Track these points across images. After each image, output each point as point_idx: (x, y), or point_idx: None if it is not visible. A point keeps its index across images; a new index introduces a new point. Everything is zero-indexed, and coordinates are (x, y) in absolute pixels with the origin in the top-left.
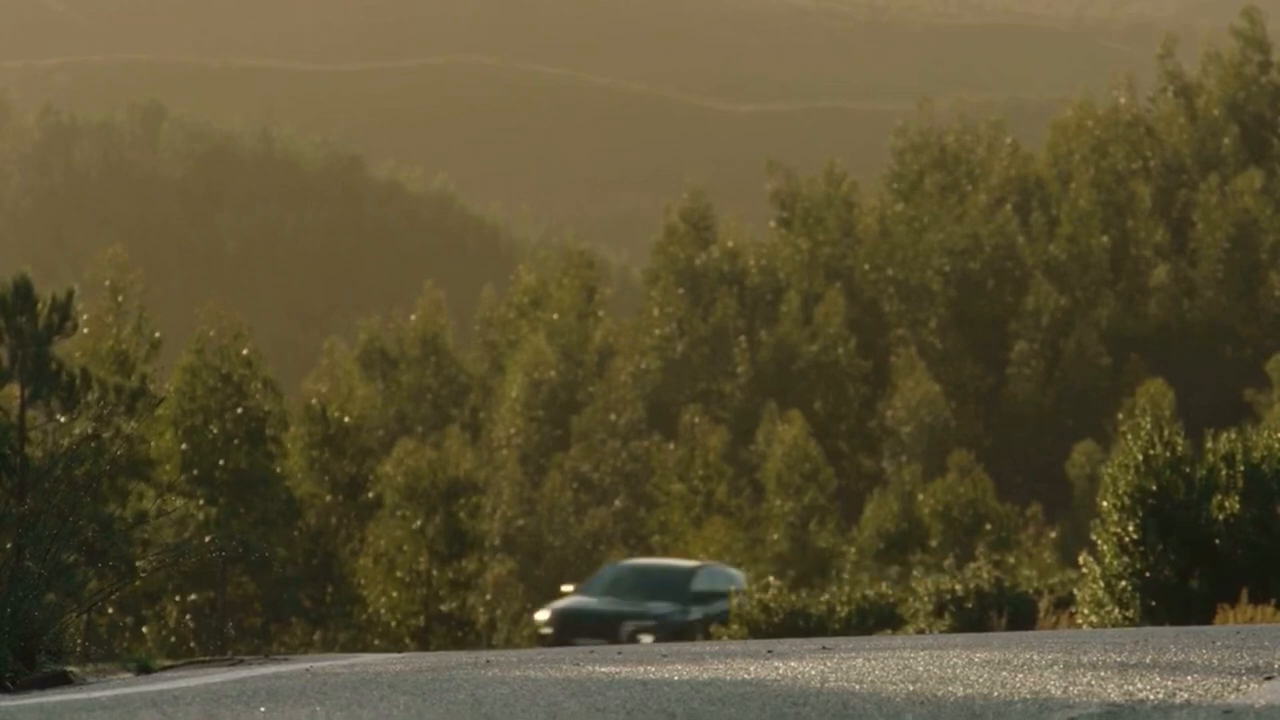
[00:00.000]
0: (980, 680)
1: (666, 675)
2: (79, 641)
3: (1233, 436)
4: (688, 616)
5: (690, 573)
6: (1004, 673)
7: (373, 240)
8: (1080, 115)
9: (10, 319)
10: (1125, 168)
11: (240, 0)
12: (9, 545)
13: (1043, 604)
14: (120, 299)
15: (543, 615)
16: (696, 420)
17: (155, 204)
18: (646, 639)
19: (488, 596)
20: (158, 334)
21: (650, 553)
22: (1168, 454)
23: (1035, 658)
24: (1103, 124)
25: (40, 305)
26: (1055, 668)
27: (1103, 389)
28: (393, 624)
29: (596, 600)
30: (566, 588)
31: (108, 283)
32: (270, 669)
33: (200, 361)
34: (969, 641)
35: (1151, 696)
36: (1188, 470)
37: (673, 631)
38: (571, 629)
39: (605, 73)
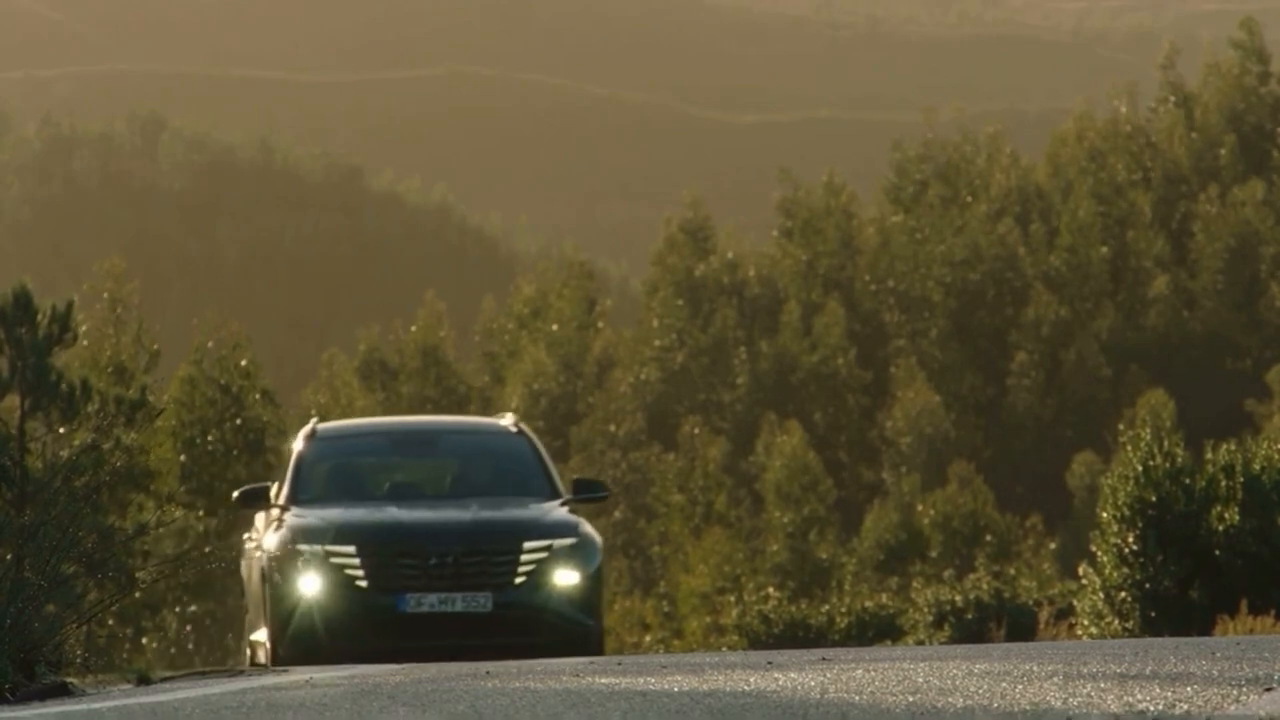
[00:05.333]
0: (980, 691)
1: (666, 687)
2: (79, 652)
3: (1232, 447)
4: None
5: None
6: (1004, 684)
7: (372, 251)
8: (1080, 126)
9: (10, 330)
10: (1125, 178)
11: (240, 11)
12: (9, 556)
13: (1042, 615)
14: (118, 311)
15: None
16: (696, 431)
17: (154, 214)
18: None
19: None
20: (156, 346)
21: (651, 565)
22: (1167, 465)
23: (1035, 669)
24: (1102, 134)
25: (40, 316)
26: (1055, 679)
27: (1102, 400)
28: None
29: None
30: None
31: (105, 294)
32: (270, 680)
33: (199, 372)
34: (969, 652)
35: (1151, 708)
36: (1188, 481)
37: None
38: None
39: (605, 83)
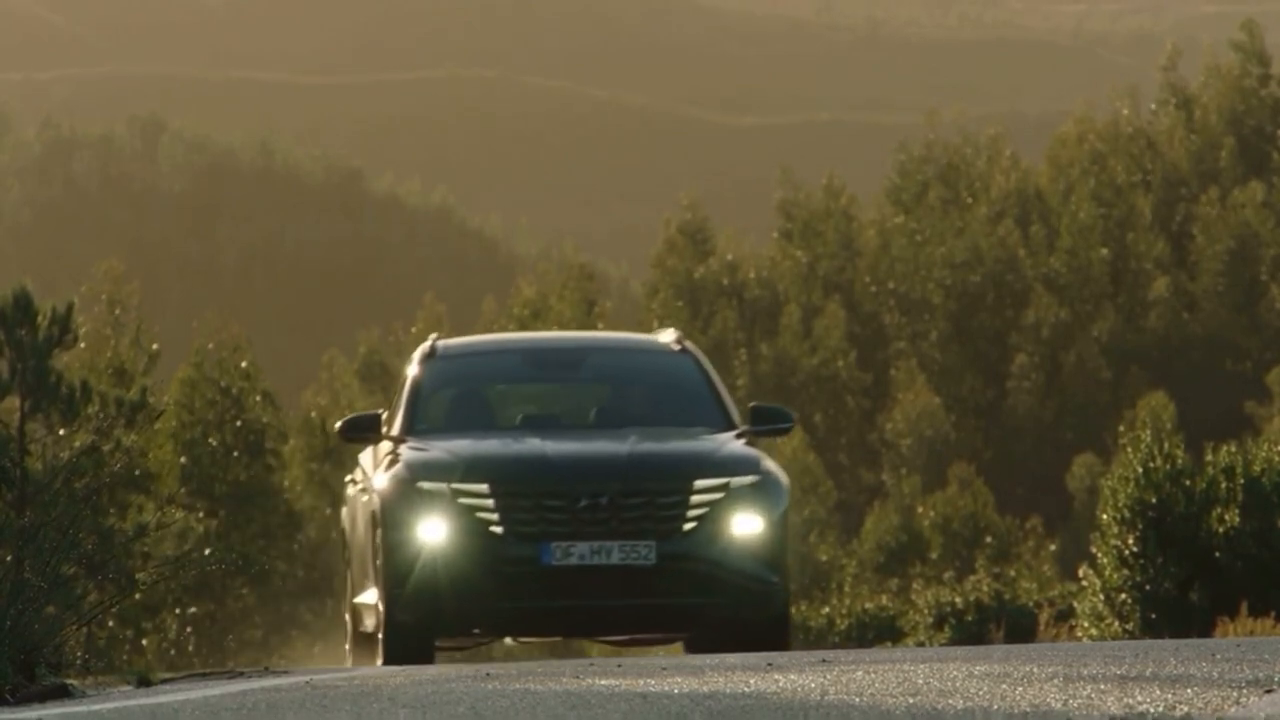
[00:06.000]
0: (980, 693)
1: (667, 688)
2: (79, 654)
3: (1233, 449)
4: None
5: None
6: (1004, 685)
7: (372, 253)
8: (1080, 128)
9: (10, 331)
10: (1125, 180)
11: (240, 13)
12: (9, 558)
13: (1043, 617)
14: (117, 312)
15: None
16: None
17: (155, 217)
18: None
19: None
20: (156, 346)
21: None
22: (1168, 466)
23: (1035, 670)
24: (1102, 137)
25: (40, 318)
26: (1055, 680)
27: (1103, 402)
28: None
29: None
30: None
31: (104, 296)
32: (270, 682)
33: (199, 374)
34: (969, 654)
35: (1151, 709)
36: (1188, 483)
37: None
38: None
39: (605, 85)
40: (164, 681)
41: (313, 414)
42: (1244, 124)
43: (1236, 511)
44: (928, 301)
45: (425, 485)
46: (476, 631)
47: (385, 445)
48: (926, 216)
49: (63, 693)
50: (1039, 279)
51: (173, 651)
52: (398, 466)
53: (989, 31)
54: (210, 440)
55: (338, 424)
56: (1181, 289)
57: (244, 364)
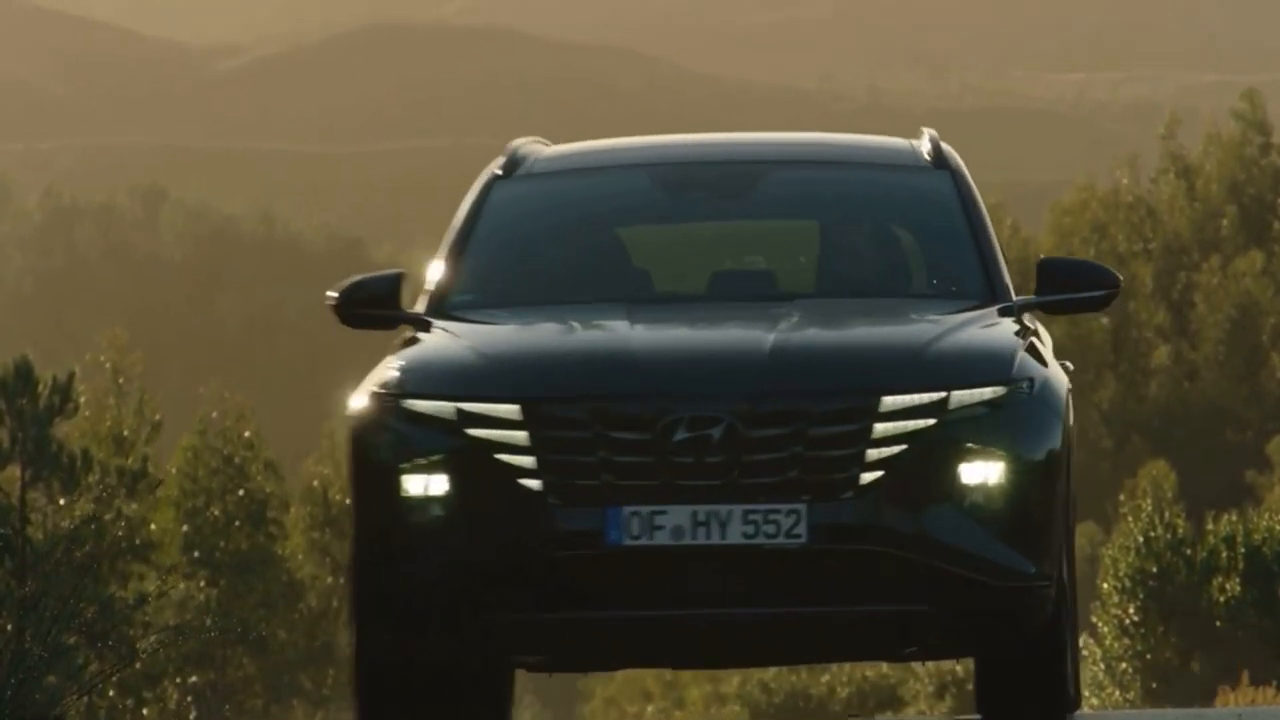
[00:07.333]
0: None
1: None
2: None
3: (1234, 518)
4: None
5: None
6: None
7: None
8: (1081, 196)
9: (11, 401)
10: (1126, 249)
11: (241, 82)
12: (10, 627)
13: None
14: (120, 381)
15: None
16: None
17: (156, 286)
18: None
19: None
20: (158, 416)
21: None
22: (1168, 536)
23: None
24: (1104, 205)
25: (41, 387)
26: None
27: (1104, 471)
28: None
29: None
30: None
31: (108, 365)
32: None
33: (202, 443)
34: None
35: None
36: (1189, 552)
37: None
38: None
39: None
40: None
41: (315, 483)
42: (1244, 193)
43: (1237, 580)
44: None
45: (416, 405)
46: (521, 659)
47: (405, 333)
48: None
49: None
50: None
51: None
52: (382, 369)
53: (990, 101)
54: (212, 509)
55: (333, 294)
56: (1182, 358)
57: (247, 433)
